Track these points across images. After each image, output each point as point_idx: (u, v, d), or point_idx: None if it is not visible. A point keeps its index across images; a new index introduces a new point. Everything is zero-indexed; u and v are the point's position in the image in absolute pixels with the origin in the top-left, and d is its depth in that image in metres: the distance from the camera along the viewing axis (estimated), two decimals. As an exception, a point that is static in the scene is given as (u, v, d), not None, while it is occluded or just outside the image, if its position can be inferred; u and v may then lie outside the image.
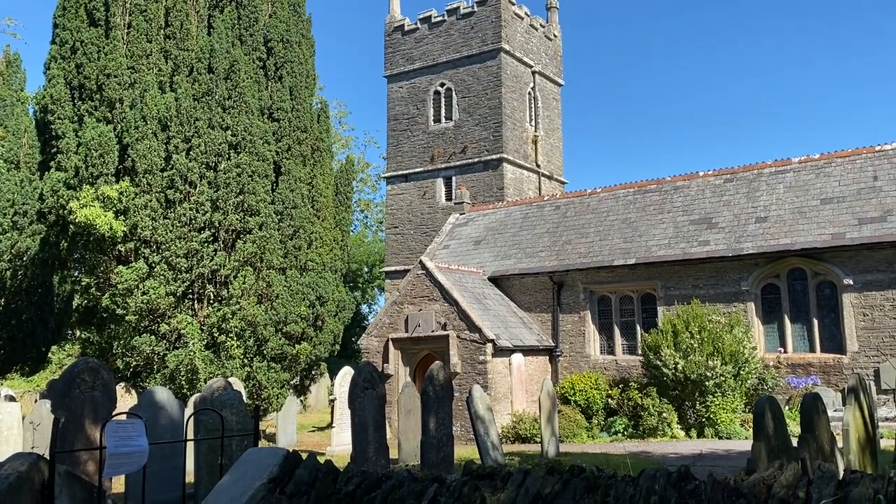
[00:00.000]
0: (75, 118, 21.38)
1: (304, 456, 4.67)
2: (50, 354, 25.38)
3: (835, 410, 15.50)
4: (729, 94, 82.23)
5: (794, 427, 13.57)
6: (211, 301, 20.54)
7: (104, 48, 21.23)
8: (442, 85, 32.05)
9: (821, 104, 78.09)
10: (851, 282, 18.22)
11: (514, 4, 31.84)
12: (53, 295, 26.74)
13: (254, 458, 4.72)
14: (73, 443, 8.37)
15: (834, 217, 19.10)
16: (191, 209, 19.96)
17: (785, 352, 19.25)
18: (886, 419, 15.20)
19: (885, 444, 12.25)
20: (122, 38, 21.55)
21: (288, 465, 4.30)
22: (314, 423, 26.52)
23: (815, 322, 18.98)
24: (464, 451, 15.45)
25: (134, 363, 19.92)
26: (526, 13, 32.66)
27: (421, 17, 33.02)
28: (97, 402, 8.70)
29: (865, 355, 17.98)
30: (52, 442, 5.41)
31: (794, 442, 6.56)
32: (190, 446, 9.63)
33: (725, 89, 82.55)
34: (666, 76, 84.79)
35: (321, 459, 4.62)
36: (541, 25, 33.76)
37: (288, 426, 20.87)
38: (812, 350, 18.99)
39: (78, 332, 26.99)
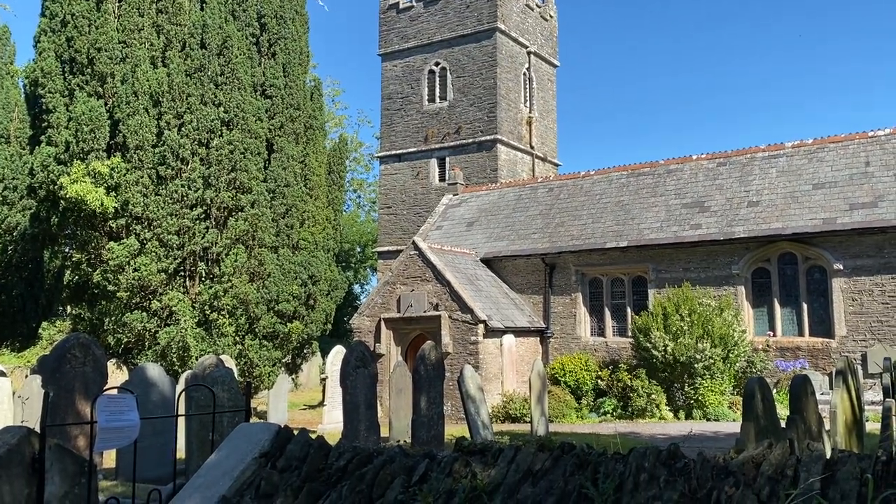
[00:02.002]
0: (66, 92, 21.18)
1: (295, 432, 4.69)
2: (40, 330, 25.28)
3: (822, 394, 15.64)
4: (724, 77, 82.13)
5: (781, 410, 13.69)
6: (203, 278, 20.51)
7: (95, 21, 21.00)
8: (437, 64, 31.83)
9: (815, 89, 78.15)
10: (841, 266, 18.32)
11: (510, -16, 31.58)
12: (44, 270, 26.61)
13: (245, 432, 4.73)
14: (64, 417, 8.36)
15: (825, 202, 19.15)
16: (182, 186, 19.86)
17: (774, 335, 19.38)
18: (872, 403, 15.34)
19: (870, 427, 12.36)
20: (114, 12, 21.32)
21: (280, 440, 4.31)
22: (305, 401, 26.62)
23: (805, 306, 19.11)
24: (454, 429, 15.55)
25: (125, 340, 19.91)
26: (522, -8, 32.41)
27: (416, -6, 32.72)
28: (88, 377, 8.69)
29: (853, 340, 18.13)
30: (42, 415, 5.41)
31: (783, 423, 6.63)
32: (181, 422, 9.65)
33: (720, 73, 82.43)
34: (661, 59, 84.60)
35: (313, 436, 4.64)
36: (537, 6, 33.52)
37: (279, 404, 20.90)
38: (801, 334, 19.13)
39: (69, 308, 26.93)
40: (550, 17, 34.62)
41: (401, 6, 33.03)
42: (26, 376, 17.28)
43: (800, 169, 20.61)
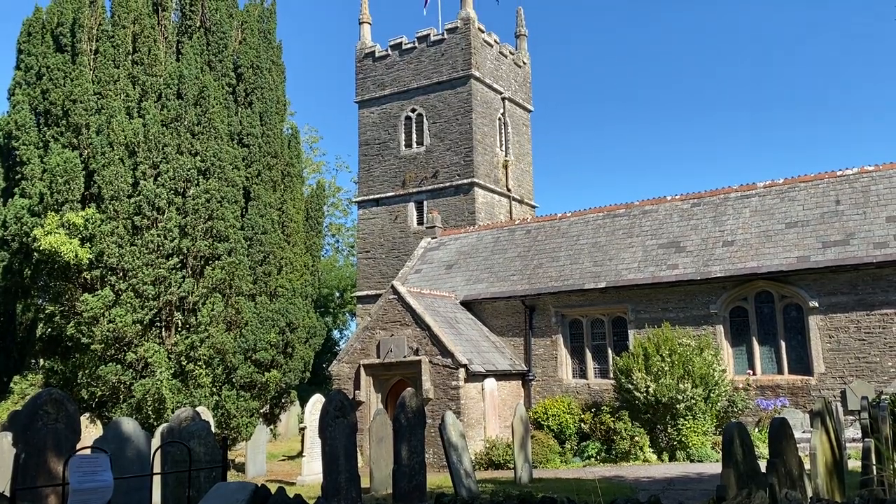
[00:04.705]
0: (40, 144, 21.12)
1: (273, 487, 4.60)
2: (12, 385, 24.71)
3: (803, 432, 15.69)
4: (694, 118, 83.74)
5: (763, 449, 13.68)
6: (179, 329, 20.25)
7: (70, 74, 21.05)
8: (413, 110, 32.20)
9: (784, 130, 79.82)
10: (817, 304, 18.52)
11: (483, 32, 32.20)
12: (16, 323, 26.11)
13: (222, 492, 4.64)
14: (36, 477, 8.14)
15: (798, 240, 19.44)
16: (158, 235, 19.73)
17: (754, 374, 19.45)
18: (853, 440, 15.39)
19: (853, 464, 12.39)
20: (89, 64, 21.40)
21: (256, 500, 4.23)
22: (284, 451, 26.14)
23: (783, 344, 19.23)
24: (437, 478, 15.33)
25: (99, 393, 19.52)
26: (495, 40, 33.03)
27: (392, 43, 33.23)
28: (60, 434, 8.48)
29: (832, 377, 18.24)
30: (12, 478, 5.27)
31: (764, 465, 6.61)
32: (157, 479, 9.43)
33: (690, 114, 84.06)
34: (631, 103, 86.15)
35: (292, 489, 4.56)
36: (510, 52, 34.16)
37: (257, 456, 20.54)
38: (780, 372, 19.21)
39: (41, 362, 26.39)
40: (524, 63, 35.27)
41: (377, 55, 33.51)
42: (-3, 433, 16.83)
43: (772, 208, 20.94)
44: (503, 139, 32.89)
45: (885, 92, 71.24)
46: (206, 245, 20.16)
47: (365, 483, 12.99)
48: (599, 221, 24.18)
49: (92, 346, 19.10)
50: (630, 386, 18.70)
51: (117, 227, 19.47)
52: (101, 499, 5.46)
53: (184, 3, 23.02)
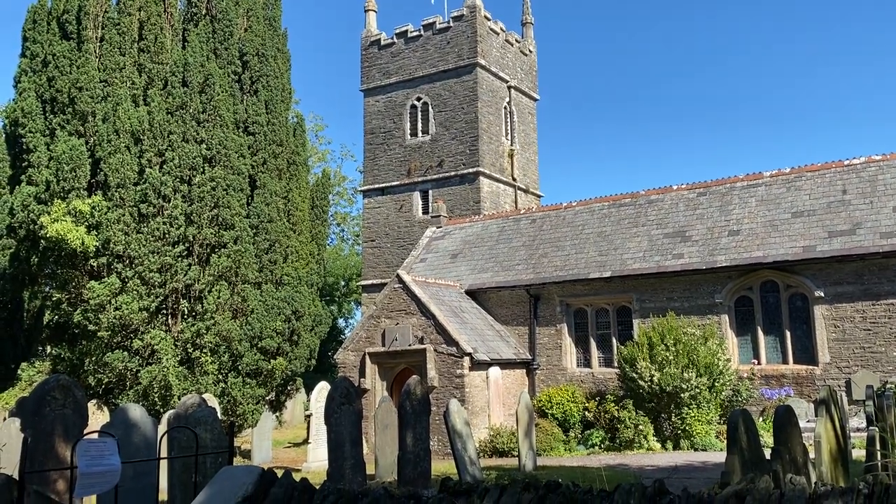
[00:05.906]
0: (47, 132, 21.16)
1: (279, 473, 4.64)
2: (19, 371, 24.91)
3: (808, 421, 15.68)
4: (700, 107, 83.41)
5: (767, 438, 13.68)
6: (185, 316, 20.33)
7: (76, 61, 21.07)
8: (419, 99, 32.14)
9: (792, 118, 79.46)
10: (822, 294, 18.48)
11: (489, 20, 32.08)
12: (23, 311, 26.26)
13: (228, 476, 4.67)
14: (44, 462, 8.21)
15: (805, 230, 19.38)
16: (164, 223, 19.79)
17: (758, 363, 19.44)
18: (858, 429, 15.37)
19: (857, 454, 12.38)
20: (95, 52, 21.41)
21: (263, 484, 4.26)
22: (290, 438, 26.28)
23: (788, 334, 19.21)
24: (441, 465, 15.40)
25: (106, 380, 19.65)
26: (501, 29, 32.91)
27: (397, 31, 33.14)
28: (68, 420, 8.55)
29: (837, 367, 18.22)
30: (21, 461, 5.33)
31: (768, 453, 6.63)
32: (164, 464, 9.50)
33: (696, 104, 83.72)
34: (638, 91, 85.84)
35: (297, 476, 4.59)
36: (516, 41, 34.03)
37: (263, 442, 20.65)
38: (785, 361, 19.20)
39: (49, 349, 26.58)
40: (530, 52, 35.14)
41: (382, 43, 33.42)
42: (4, 419, 16.97)
43: (778, 198, 20.87)
44: (509, 128, 32.82)
45: (893, 81, 70.85)
46: (211, 233, 20.21)
47: (370, 470, 13.05)
48: (605, 211, 24.14)
49: (98, 334, 19.21)
50: (634, 375, 18.72)
51: (123, 215, 19.54)
52: (109, 483, 5.51)
53: (189, -9, 23.01)
